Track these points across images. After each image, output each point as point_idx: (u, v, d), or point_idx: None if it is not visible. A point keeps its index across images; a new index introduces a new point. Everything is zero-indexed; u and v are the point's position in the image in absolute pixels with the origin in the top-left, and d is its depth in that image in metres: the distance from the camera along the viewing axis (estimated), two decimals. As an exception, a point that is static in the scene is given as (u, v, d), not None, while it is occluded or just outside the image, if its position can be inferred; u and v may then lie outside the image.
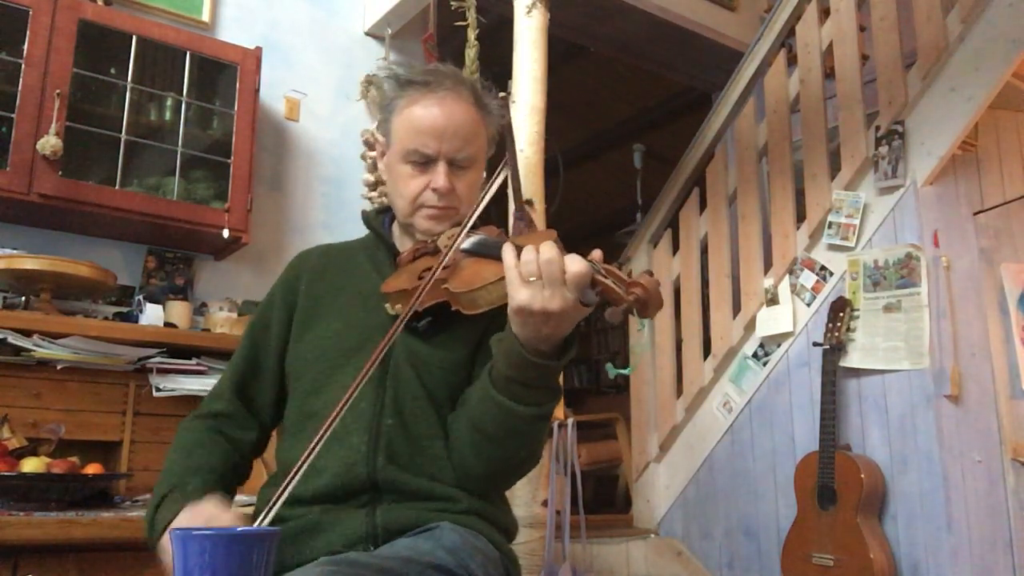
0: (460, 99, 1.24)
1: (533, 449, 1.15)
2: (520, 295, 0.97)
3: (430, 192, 1.22)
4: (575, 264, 0.96)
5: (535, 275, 0.96)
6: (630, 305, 0.94)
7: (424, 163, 1.23)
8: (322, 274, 1.32)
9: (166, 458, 1.22)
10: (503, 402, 1.06)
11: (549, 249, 0.97)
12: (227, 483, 1.19)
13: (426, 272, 1.10)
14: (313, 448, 0.95)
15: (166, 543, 1.04)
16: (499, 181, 1.14)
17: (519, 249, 1.00)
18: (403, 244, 1.30)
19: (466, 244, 1.13)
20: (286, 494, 0.93)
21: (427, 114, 1.22)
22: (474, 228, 1.15)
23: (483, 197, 1.13)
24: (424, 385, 1.17)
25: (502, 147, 1.18)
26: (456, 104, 1.23)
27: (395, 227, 1.34)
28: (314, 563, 0.96)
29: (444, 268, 1.10)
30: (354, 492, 1.13)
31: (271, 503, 0.92)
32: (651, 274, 0.96)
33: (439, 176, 1.22)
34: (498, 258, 1.04)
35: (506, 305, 1.02)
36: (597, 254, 0.99)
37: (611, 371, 1.08)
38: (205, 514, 1.03)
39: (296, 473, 0.94)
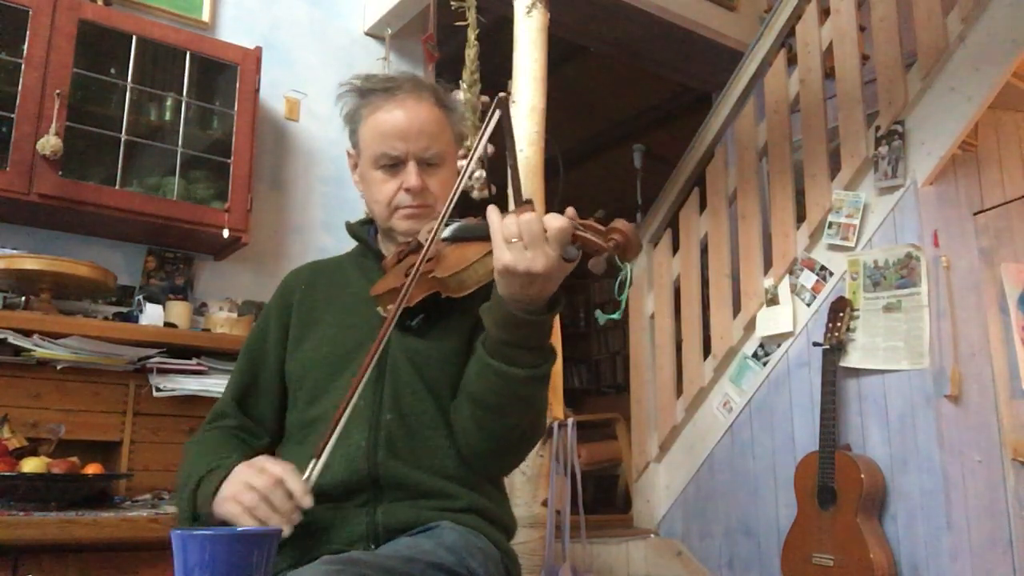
0: (421, 100, 1.27)
1: (534, 418, 1.16)
2: (504, 257, 0.99)
3: (403, 193, 1.25)
4: (555, 221, 0.99)
5: (516, 236, 0.99)
6: (611, 252, 0.98)
7: (394, 165, 1.26)
8: (314, 287, 1.34)
9: (184, 462, 1.22)
10: (498, 367, 1.08)
11: (529, 211, 1.00)
12: None
13: (412, 269, 1.12)
14: (325, 444, 1.01)
15: (216, 506, 1.05)
16: (472, 165, 1.15)
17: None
18: (388, 251, 1.32)
19: (446, 233, 1.15)
20: (327, 451, 1.02)
21: (390, 117, 1.26)
22: (452, 221, 1.17)
23: (458, 184, 1.14)
24: (423, 378, 1.19)
25: (501, 146, 1.19)
26: (418, 104, 1.26)
27: (380, 236, 1.36)
28: (316, 562, 0.97)
29: (429, 260, 1.12)
30: (355, 488, 1.14)
31: (313, 462, 1.02)
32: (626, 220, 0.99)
33: (410, 176, 1.25)
34: (480, 238, 1.07)
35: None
36: (571, 211, 1.02)
37: (601, 317, 1.10)
38: (258, 463, 1.04)
39: (328, 439, 1.02)
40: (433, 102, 1.28)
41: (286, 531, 0.99)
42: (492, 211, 1.03)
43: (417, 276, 1.09)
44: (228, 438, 1.25)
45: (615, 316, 1.07)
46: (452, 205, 1.12)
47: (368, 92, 1.29)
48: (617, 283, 1.00)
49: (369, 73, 1.36)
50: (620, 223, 0.99)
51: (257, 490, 1.00)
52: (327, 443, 1.03)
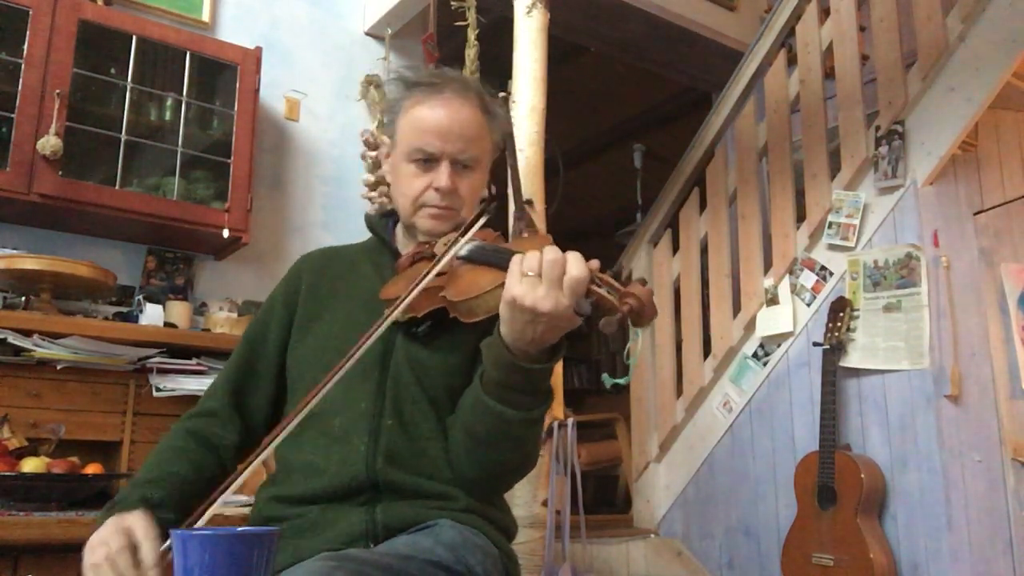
0: (466, 102, 1.25)
1: (526, 454, 1.15)
2: (516, 288, 0.98)
3: (432, 192, 1.23)
4: (575, 268, 0.97)
5: (535, 271, 0.97)
6: (624, 315, 0.95)
7: (427, 161, 1.24)
8: (323, 276, 1.32)
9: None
10: (493, 407, 1.07)
11: (554, 250, 0.98)
12: (193, 490, 1.15)
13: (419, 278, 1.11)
14: (322, 388, 1.01)
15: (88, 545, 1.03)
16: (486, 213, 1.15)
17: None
18: (406, 247, 1.30)
19: (463, 251, 1.13)
20: (297, 419, 1.00)
21: (432, 114, 1.23)
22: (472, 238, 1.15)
23: (480, 214, 1.13)
24: (424, 388, 1.18)
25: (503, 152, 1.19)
26: (462, 106, 1.24)
27: (399, 231, 1.35)
28: (314, 558, 0.97)
29: (441, 275, 1.11)
30: (354, 491, 1.13)
31: (272, 437, 1.00)
32: (644, 282, 0.97)
33: (442, 175, 1.23)
34: (495, 265, 1.05)
35: None
36: (594, 264, 1.00)
37: (607, 380, 1.09)
38: (124, 523, 1.00)
39: (303, 409, 1.01)
40: (477, 105, 1.27)
41: None
42: (515, 258, 1.01)
43: (423, 288, 1.07)
44: (188, 443, 1.22)
45: (622, 381, 1.06)
46: (476, 228, 1.11)
47: (414, 84, 1.27)
48: (627, 349, 0.98)
49: (416, 65, 1.34)
50: (637, 287, 0.97)
51: (107, 548, 0.97)
52: (210, 503, 0.97)
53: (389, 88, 1.31)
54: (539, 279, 0.97)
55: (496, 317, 1.06)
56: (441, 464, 1.16)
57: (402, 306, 1.06)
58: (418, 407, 1.17)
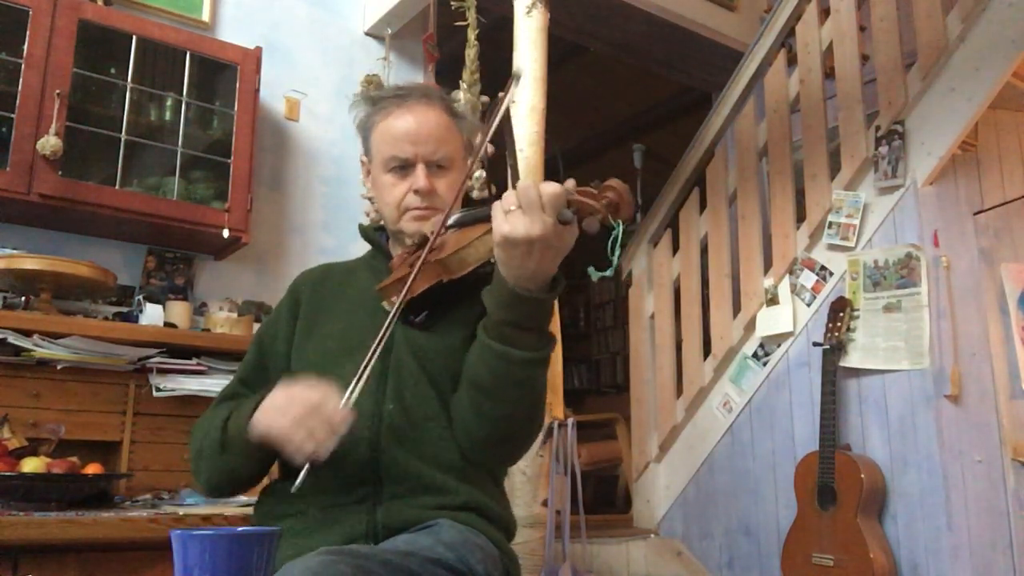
0: (431, 106, 1.32)
1: (532, 405, 1.17)
2: (503, 227, 1.02)
3: (412, 195, 1.28)
4: (548, 185, 1.02)
5: (514, 203, 1.02)
6: (605, 212, 1.01)
7: (403, 168, 1.30)
8: (322, 287, 1.37)
9: (199, 425, 1.27)
10: (497, 348, 1.11)
11: (524, 180, 1.03)
12: None
13: (418, 260, 1.15)
14: (358, 379, 1.06)
15: (259, 417, 1.11)
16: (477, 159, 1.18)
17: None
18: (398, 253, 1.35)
19: (451, 220, 1.18)
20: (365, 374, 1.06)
21: (401, 122, 1.30)
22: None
23: (467, 175, 1.20)
24: (425, 370, 1.21)
25: (501, 146, 1.21)
26: (428, 110, 1.31)
27: (391, 240, 1.39)
28: (313, 552, 0.97)
29: (433, 251, 1.15)
30: (356, 481, 1.15)
31: (357, 378, 1.06)
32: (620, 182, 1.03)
33: (419, 178, 1.28)
34: (482, 221, 1.10)
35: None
36: (570, 183, 1.05)
37: (593, 274, 1.13)
38: (290, 391, 1.09)
39: (358, 380, 1.06)
40: (443, 109, 1.33)
41: (324, 453, 1.03)
42: (495, 204, 1.06)
43: (422, 265, 1.11)
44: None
45: (607, 273, 1.09)
46: (458, 199, 1.15)
47: (379, 100, 1.34)
48: (610, 241, 1.02)
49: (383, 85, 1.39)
50: (614, 181, 1.02)
51: (299, 402, 1.05)
52: (368, 364, 1.07)
53: (357, 110, 1.37)
54: (520, 210, 1.01)
55: (488, 277, 1.11)
56: (443, 446, 1.18)
57: (408, 286, 1.10)
58: (419, 389, 1.20)
